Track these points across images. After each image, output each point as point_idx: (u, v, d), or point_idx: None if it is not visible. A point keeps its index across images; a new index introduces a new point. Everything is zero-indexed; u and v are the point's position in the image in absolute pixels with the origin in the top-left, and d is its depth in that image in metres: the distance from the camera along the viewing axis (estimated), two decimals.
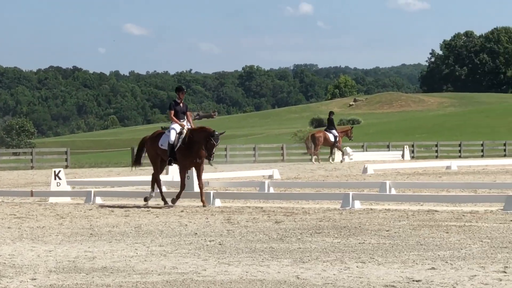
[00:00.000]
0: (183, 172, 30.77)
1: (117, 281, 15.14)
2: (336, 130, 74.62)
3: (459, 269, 15.55)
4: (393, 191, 31.70)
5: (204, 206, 29.76)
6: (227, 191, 35.35)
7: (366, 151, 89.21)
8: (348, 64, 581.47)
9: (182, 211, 29.08)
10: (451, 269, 15.60)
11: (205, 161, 31.24)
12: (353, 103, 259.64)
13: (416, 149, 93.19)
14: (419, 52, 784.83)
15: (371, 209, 27.74)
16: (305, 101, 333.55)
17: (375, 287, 14.05)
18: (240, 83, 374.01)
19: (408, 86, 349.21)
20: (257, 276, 15.32)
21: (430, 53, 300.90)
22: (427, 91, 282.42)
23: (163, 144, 30.61)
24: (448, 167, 60.59)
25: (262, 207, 29.48)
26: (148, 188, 32.69)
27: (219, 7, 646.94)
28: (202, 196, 30.23)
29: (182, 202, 31.37)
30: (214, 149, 30.18)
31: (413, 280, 14.52)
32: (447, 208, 27.59)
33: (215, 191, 32.88)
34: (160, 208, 30.42)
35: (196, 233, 22.41)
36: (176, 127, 30.48)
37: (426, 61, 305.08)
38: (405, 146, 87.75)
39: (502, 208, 26.31)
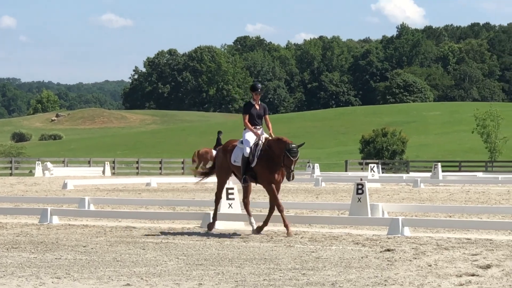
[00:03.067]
0: (271, 188, 24.42)
1: None
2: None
3: (154, 286, 15.69)
4: (92, 207, 31.66)
5: (288, 232, 24.24)
6: None
7: (67, 166, 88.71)
8: (51, 79, 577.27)
9: None
10: (146, 286, 15.73)
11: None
12: (55, 118, 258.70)
13: (117, 165, 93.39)
14: (122, 68, 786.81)
15: (70, 225, 27.67)
16: (8, 115, 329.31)
17: None
18: None
19: (111, 103, 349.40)
20: None
21: (134, 70, 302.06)
22: (130, 108, 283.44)
23: (236, 161, 24.69)
24: (148, 184, 60.89)
25: None
26: None
27: None
28: (285, 220, 24.56)
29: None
30: (293, 166, 23.91)
31: None
32: (145, 224, 27.77)
33: None
34: None
35: None
36: (250, 137, 24.36)
37: (129, 78, 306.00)
38: (106, 163, 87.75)
39: (199, 225, 26.68)
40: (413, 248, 20.97)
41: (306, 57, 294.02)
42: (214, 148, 73.73)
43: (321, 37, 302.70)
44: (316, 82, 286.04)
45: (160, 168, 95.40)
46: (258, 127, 24.53)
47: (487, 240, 22.63)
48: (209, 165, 72.71)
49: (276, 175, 24.28)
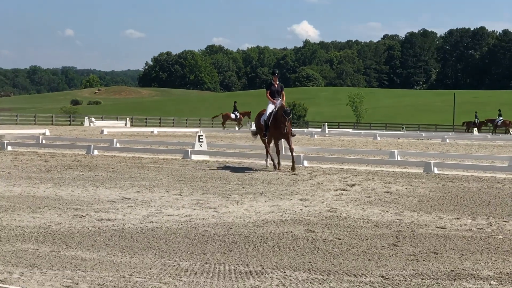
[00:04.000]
0: (275, 142, 22.77)
1: None
2: (238, 111, 73.36)
3: (154, 192, 15.65)
4: (118, 145, 31.48)
5: (293, 169, 21.67)
6: (18, 141, 34.28)
7: (104, 120, 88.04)
8: (95, 67, 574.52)
9: None
10: (148, 192, 15.68)
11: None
12: (97, 91, 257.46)
13: (134, 120, 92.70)
14: (139, 62, 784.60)
15: (104, 155, 27.50)
16: (68, 89, 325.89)
17: (103, 201, 14.01)
18: (28, 77, 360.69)
19: (131, 83, 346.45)
20: (31, 193, 15.00)
21: (145, 63, 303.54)
22: (142, 86, 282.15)
23: (261, 122, 23.14)
24: (152, 132, 60.54)
25: (37, 152, 28.79)
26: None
27: None
28: (293, 161, 22.01)
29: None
30: (286, 122, 21.82)
31: (126, 198, 14.54)
32: (149, 156, 27.63)
33: (8, 141, 31.87)
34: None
35: None
36: (270, 106, 22.73)
37: (142, 68, 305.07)
38: (127, 119, 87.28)
39: (182, 157, 26.61)
40: (309, 173, 21.02)
41: (248, 58, 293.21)
42: (232, 112, 73.33)
43: (258, 46, 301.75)
44: (254, 73, 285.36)
45: (159, 123, 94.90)
46: (276, 99, 22.72)
47: (353, 169, 22.73)
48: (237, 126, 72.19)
49: (280, 132, 22.08)
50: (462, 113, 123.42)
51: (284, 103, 22.78)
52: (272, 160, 22.82)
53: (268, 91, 23.10)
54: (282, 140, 23.00)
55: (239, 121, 73.94)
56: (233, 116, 73.28)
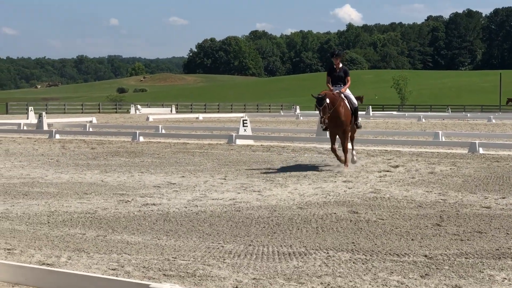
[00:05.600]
0: (331, 136, 17.90)
1: None
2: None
3: (198, 177, 15.73)
4: (163, 131, 31.67)
5: (345, 164, 17.40)
6: (66, 130, 34.65)
7: (149, 107, 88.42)
8: (141, 55, 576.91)
9: (35, 141, 28.38)
10: (193, 177, 15.77)
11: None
12: (143, 79, 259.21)
13: (179, 107, 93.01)
14: (184, 49, 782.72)
15: (149, 141, 27.70)
16: (115, 77, 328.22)
17: (148, 186, 14.12)
18: (75, 66, 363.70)
19: (176, 70, 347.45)
20: (78, 180, 15.18)
21: (189, 50, 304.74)
22: (187, 73, 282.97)
23: None
24: (197, 118, 60.86)
25: (84, 139, 29.08)
26: None
27: None
28: (346, 157, 17.57)
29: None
30: (321, 113, 17.19)
31: (171, 183, 14.64)
32: (194, 141, 27.76)
33: (56, 129, 32.24)
34: (22, 138, 29.60)
35: (43, 154, 21.97)
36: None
37: (187, 55, 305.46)
38: (172, 105, 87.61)
39: (226, 142, 26.69)
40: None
41: (292, 42, 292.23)
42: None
43: (301, 31, 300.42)
44: (298, 57, 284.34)
45: (204, 109, 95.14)
46: (338, 86, 17.85)
47: (397, 151, 22.60)
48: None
49: (331, 122, 17.27)
50: (509, 93, 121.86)
51: (344, 90, 17.83)
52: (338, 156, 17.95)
53: (327, 78, 18.24)
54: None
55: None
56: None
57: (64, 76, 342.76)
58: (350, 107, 17.79)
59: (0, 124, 40.01)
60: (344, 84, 18.00)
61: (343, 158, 17.59)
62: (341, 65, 18.07)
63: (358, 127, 18.49)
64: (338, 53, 18.23)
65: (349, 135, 18.15)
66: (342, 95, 17.70)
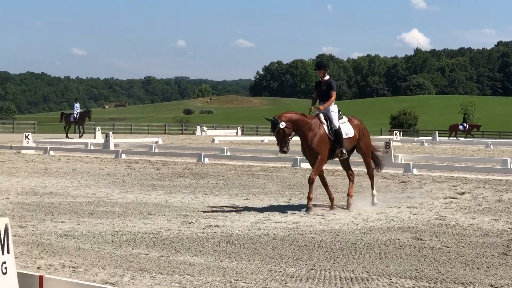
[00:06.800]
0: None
1: (59, 201, 15.02)
2: (466, 122, 75.03)
3: (262, 200, 15.76)
4: (229, 153, 31.81)
5: (332, 204, 14.55)
6: (132, 150, 35.05)
7: (215, 129, 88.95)
8: (207, 77, 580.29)
9: (101, 160, 28.77)
10: (257, 200, 15.80)
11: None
12: (209, 100, 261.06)
13: (245, 129, 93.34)
14: (250, 72, 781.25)
15: (214, 163, 27.83)
16: (181, 98, 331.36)
17: (212, 207, 14.19)
18: (143, 87, 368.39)
19: (242, 92, 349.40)
20: (142, 200, 15.33)
21: (256, 73, 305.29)
22: (253, 95, 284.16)
23: None
24: (262, 140, 60.97)
25: (150, 160, 29.36)
26: None
27: None
28: (328, 193, 14.89)
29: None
30: (277, 137, 14.69)
31: (235, 205, 14.68)
32: (259, 164, 27.82)
33: (122, 149, 32.65)
34: (89, 158, 30.04)
35: (109, 174, 22.25)
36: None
37: (254, 77, 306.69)
38: (238, 127, 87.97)
39: (291, 165, 26.67)
40: (418, 181, 20.74)
41: (359, 66, 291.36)
42: (461, 124, 73.67)
43: (368, 55, 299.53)
44: (364, 81, 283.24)
45: (270, 131, 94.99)
46: (321, 104, 14.89)
47: (463, 177, 22.29)
48: None
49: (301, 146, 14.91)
50: None
51: (322, 108, 14.78)
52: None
53: (316, 95, 15.32)
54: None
55: (468, 132, 74.28)
56: (461, 127, 73.82)
57: (132, 97, 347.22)
58: (330, 131, 14.59)
59: (68, 143, 40.70)
60: (327, 100, 14.86)
61: (333, 196, 14.81)
62: (327, 77, 15.02)
63: (342, 155, 14.98)
64: (320, 64, 15.15)
65: (370, 172, 15.79)
66: (322, 115, 14.67)
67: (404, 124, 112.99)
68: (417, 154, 36.63)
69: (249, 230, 11.37)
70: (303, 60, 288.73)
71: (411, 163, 24.63)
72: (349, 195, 14.92)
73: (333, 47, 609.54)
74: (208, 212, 13.60)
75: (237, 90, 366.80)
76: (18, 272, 6.74)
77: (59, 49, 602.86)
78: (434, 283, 7.89)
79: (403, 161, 27.50)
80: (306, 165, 26.36)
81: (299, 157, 27.10)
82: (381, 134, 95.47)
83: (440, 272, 8.47)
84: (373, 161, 16.36)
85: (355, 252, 9.63)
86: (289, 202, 15.27)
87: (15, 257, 7.44)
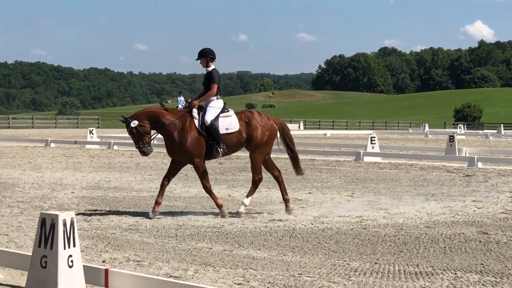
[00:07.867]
0: (170, 166, 13.55)
1: (123, 195, 15.20)
2: None
3: (325, 194, 15.73)
4: None
5: (221, 211, 12.32)
6: None
7: None
8: (269, 71, 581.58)
9: (164, 154, 28.98)
10: (320, 194, 15.78)
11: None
12: (271, 95, 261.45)
13: (307, 123, 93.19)
14: (312, 66, 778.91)
15: (277, 157, 27.69)
16: (243, 93, 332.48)
17: (275, 202, 14.21)
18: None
19: (304, 86, 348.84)
20: (205, 194, 15.38)
21: (318, 67, 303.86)
22: (316, 89, 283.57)
23: None
24: (325, 134, 60.87)
25: None
26: None
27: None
28: (213, 199, 12.62)
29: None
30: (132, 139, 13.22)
31: (297, 199, 14.70)
32: (321, 158, 27.75)
33: None
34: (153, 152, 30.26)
35: None
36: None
37: (316, 71, 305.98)
38: (300, 121, 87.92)
39: (354, 159, 26.55)
40: (483, 175, 20.46)
41: (422, 59, 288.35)
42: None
43: (431, 48, 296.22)
44: (427, 75, 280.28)
45: (332, 125, 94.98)
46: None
47: None
48: None
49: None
50: None
51: (196, 103, 12.91)
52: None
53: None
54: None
55: None
56: None
57: (194, 92, 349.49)
58: (201, 126, 12.57)
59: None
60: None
61: (220, 201, 12.60)
62: (211, 67, 13.16)
63: (215, 154, 12.66)
64: (202, 52, 13.12)
65: (255, 178, 13.32)
66: (195, 110, 12.73)
67: (468, 117, 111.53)
68: (482, 148, 36.16)
69: (312, 224, 11.35)
70: (365, 54, 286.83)
71: (475, 156, 24.30)
72: (285, 200, 13.05)
73: (396, 40, 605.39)
74: (271, 206, 13.61)
75: (299, 84, 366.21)
76: (84, 266, 6.85)
77: (122, 45, 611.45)
78: (500, 278, 7.77)
79: (467, 155, 27.17)
80: (369, 159, 26.21)
81: (361, 151, 26.97)
82: (445, 128, 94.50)
83: (506, 266, 8.34)
84: (292, 163, 14.59)
85: (419, 246, 9.54)
86: (352, 196, 15.21)
87: (81, 251, 7.56)
